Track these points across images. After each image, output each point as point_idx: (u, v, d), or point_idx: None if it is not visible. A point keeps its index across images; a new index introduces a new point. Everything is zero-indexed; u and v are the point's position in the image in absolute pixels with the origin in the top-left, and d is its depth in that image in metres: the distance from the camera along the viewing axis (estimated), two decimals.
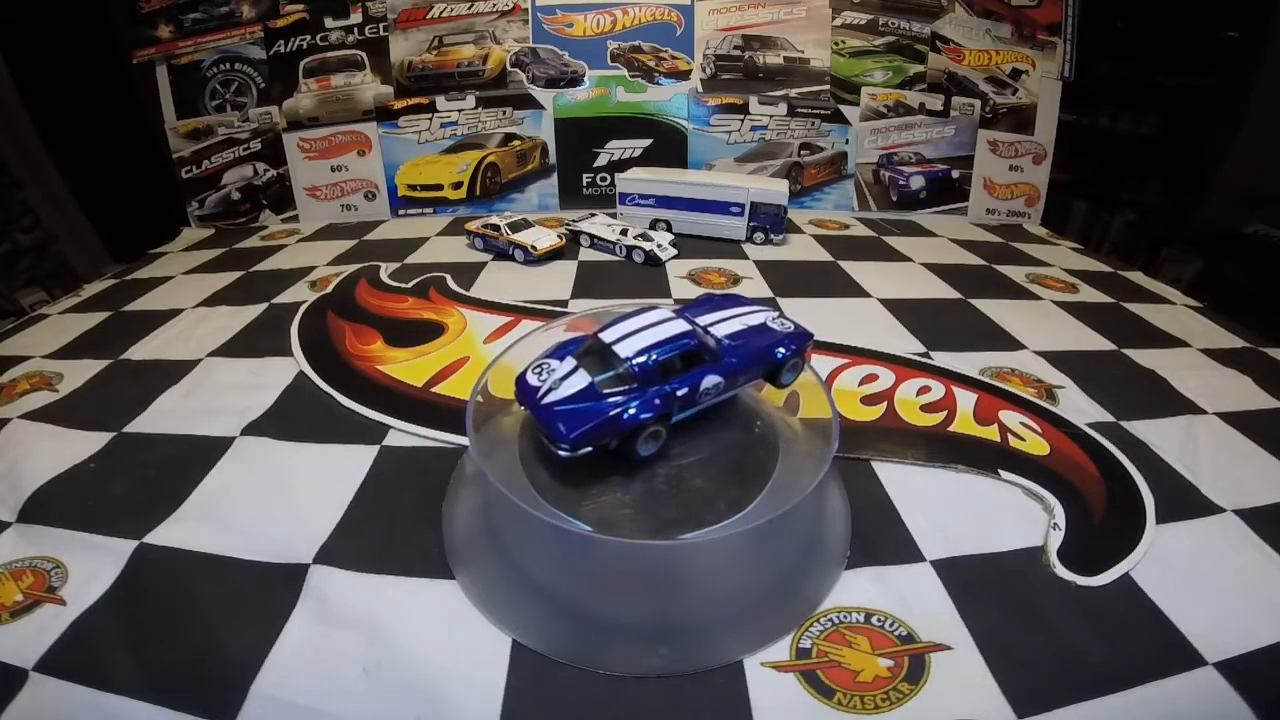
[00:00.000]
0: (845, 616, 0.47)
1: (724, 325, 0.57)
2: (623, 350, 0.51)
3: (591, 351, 0.52)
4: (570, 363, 0.52)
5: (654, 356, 0.50)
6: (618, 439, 0.50)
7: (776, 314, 0.60)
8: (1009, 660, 0.44)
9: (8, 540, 0.54)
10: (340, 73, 1.44)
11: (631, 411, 0.49)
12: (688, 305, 0.60)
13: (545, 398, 0.50)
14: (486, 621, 0.46)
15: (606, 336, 0.52)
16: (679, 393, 0.51)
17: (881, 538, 0.54)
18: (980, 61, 1.51)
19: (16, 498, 0.58)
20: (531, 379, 0.52)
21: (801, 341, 0.58)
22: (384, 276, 1.08)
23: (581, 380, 0.50)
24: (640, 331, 0.52)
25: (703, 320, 0.57)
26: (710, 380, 0.53)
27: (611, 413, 0.49)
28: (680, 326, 0.53)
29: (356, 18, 1.43)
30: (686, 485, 0.51)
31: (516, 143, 1.49)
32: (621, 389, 0.50)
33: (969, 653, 0.45)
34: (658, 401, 0.50)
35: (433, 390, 0.75)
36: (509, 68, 1.47)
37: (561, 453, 0.48)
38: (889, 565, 0.52)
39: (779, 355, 0.57)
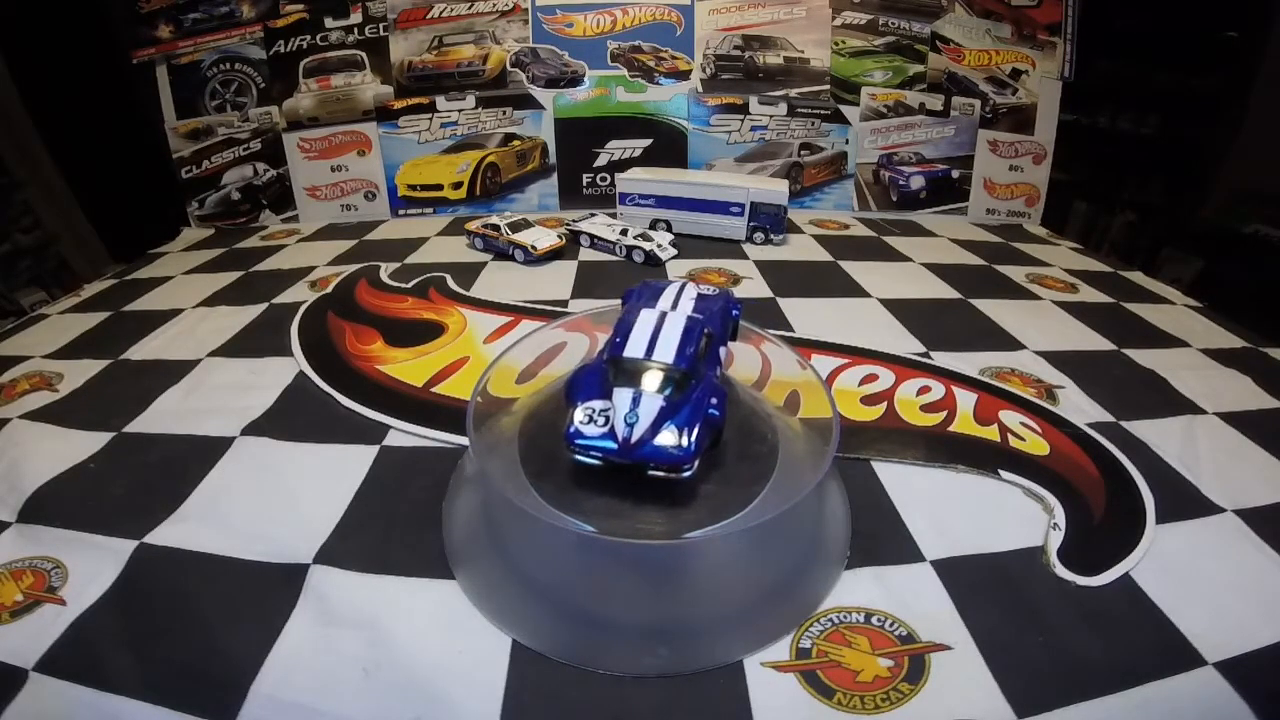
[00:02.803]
0: (845, 616, 0.47)
1: (681, 305, 0.57)
2: (663, 356, 0.49)
3: (635, 372, 0.49)
4: (627, 393, 0.48)
5: (689, 350, 0.50)
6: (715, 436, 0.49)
7: (692, 283, 0.62)
8: (1009, 660, 0.44)
9: (8, 540, 0.54)
10: (340, 73, 1.44)
11: (712, 408, 0.49)
12: (636, 301, 0.58)
13: (635, 436, 0.47)
14: (486, 621, 0.46)
15: (634, 352, 0.50)
16: (715, 373, 0.52)
17: (881, 538, 0.54)
18: (980, 61, 1.51)
19: (16, 498, 0.58)
20: (592, 430, 0.47)
21: (733, 296, 0.62)
22: (384, 276, 1.08)
23: (655, 402, 0.48)
24: (658, 334, 0.51)
25: (664, 306, 0.57)
26: (722, 352, 0.55)
27: (704, 416, 0.48)
28: (681, 317, 0.53)
29: (356, 18, 1.43)
30: (686, 485, 0.51)
31: (516, 143, 1.49)
32: (686, 392, 0.49)
33: (969, 653, 0.45)
34: (716, 395, 0.50)
35: (433, 390, 0.75)
36: (509, 68, 1.47)
37: (667, 474, 0.47)
38: (889, 565, 0.52)
39: (735, 314, 0.61)
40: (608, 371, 0.50)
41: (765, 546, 0.50)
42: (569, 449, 0.48)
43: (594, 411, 0.48)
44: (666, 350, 0.50)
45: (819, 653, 0.44)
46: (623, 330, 0.52)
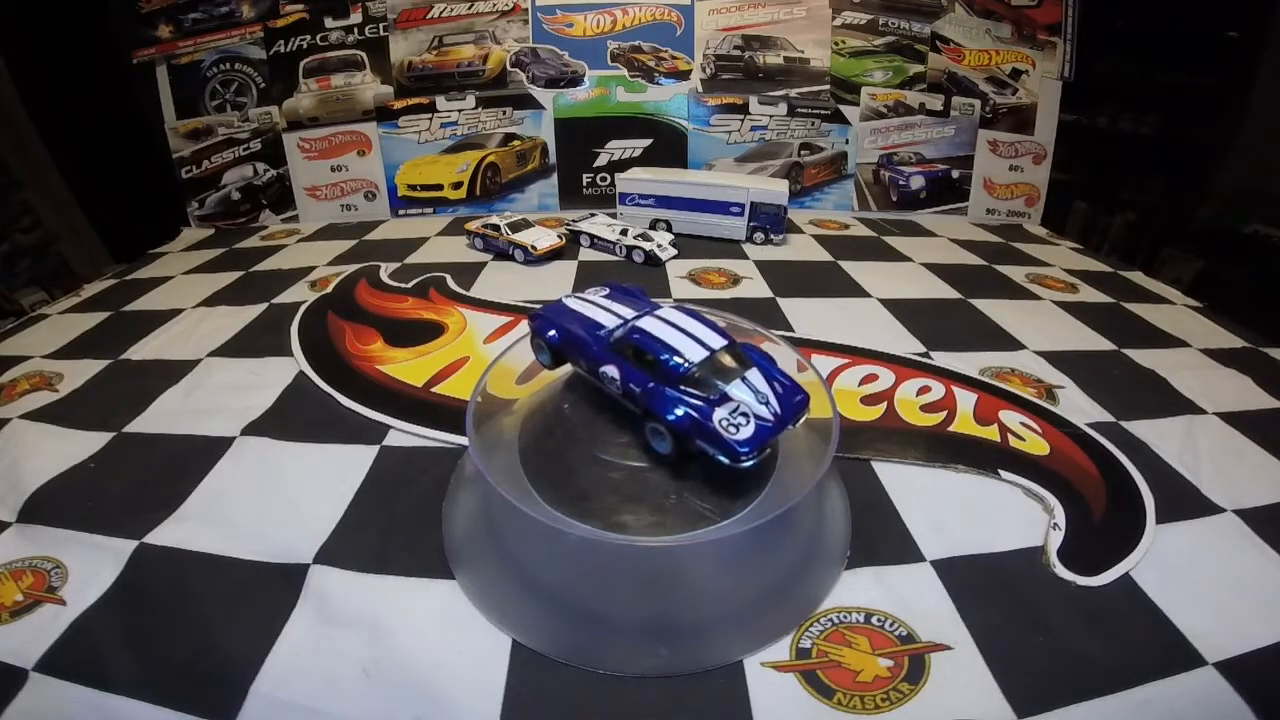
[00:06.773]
0: (845, 616, 0.47)
1: (621, 306, 0.58)
2: (715, 343, 0.51)
3: (717, 370, 0.50)
4: (738, 385, 0.50)
5: (715, 325, 0.52)
6: None
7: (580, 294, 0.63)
8: (1009, 660, 0.44)
9: (8, 540, 0.54)
10: (340, 73, 1.44)
11: (756, 349, 0.53)
12: (573, 323, 0.58)
13: (777, 410, 0.49)
14: (486, 621, 0.46)
15: (698, 356, 0.50)
16: None
17: (881, 538, 0.54)
18: (980, 61, 1.51)
19: (16, 498, 0.58)
20: (748, 433, 0.48)
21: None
22: (384, 276, 1.08)
23: (758, 375, 0.51)
24: (692, 330, 0.52)
25: (616, 316, 0.57)
26: None
27: (765, 357, 0.53)
28: (679, 310, 0.55)
29: (356, 18, 1.43)
30: (686, 485, 0.51)
31: (516, 143, 1.49)
32: (745, 355, 0.53)
33: (969, 653, 0.45)
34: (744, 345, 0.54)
35: (433, 390, 0.75)
36: (509, 68, 1.47)
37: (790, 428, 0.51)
38: (889, 565, 0.52)
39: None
40: (687, 387, 0.50)
41: (765, 546, 0.50)
42: (743, 460, 0.47)
43: (729, 420, 0.48)
44: (711, 337, 0.52)
45: (819, 653, 0.44)
46: (659, 349, 0.51)
